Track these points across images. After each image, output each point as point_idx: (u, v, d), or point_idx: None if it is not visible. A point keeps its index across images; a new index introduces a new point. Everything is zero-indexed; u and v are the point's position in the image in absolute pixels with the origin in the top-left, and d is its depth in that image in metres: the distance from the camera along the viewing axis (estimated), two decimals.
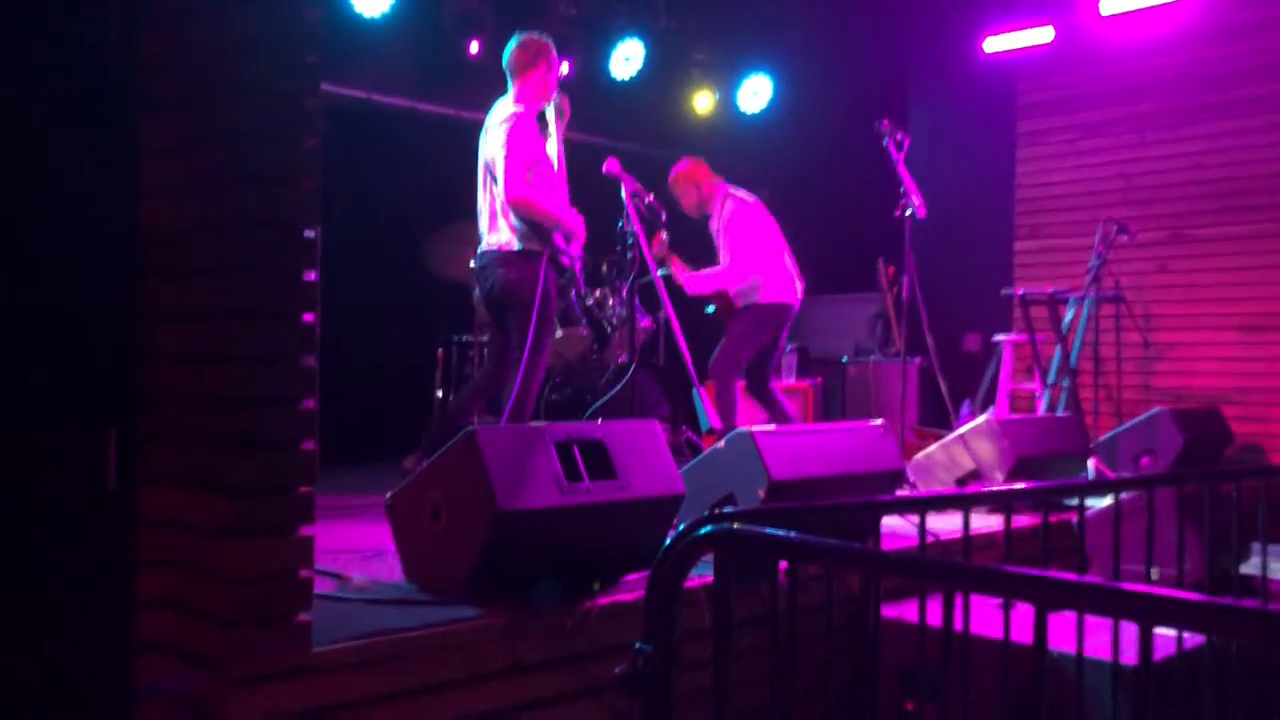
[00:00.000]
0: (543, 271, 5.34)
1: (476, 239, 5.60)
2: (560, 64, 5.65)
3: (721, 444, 4.41)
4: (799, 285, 6.69)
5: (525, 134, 5.34)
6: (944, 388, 7.31)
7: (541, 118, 5.62)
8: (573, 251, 5.56)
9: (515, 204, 5.30)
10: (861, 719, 2.48)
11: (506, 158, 5.28)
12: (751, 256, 6.52)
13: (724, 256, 6.59)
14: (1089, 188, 8.94)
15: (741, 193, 6.77)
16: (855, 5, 9.48)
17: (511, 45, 5.58)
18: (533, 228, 5.36)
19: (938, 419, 7.92)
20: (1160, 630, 1.94)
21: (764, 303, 6.55)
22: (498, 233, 5.44)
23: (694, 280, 6.64)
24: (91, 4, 3.03)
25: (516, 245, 5.38)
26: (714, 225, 6.75)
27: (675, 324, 6.03)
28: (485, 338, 6.67)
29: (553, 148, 5.63)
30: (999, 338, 8.74)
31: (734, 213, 6.63)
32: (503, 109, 5.46)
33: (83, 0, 3.03)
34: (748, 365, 6.58)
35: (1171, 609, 1.77)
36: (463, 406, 5.53)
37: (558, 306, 5.77)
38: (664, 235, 6.51)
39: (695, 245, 6.82)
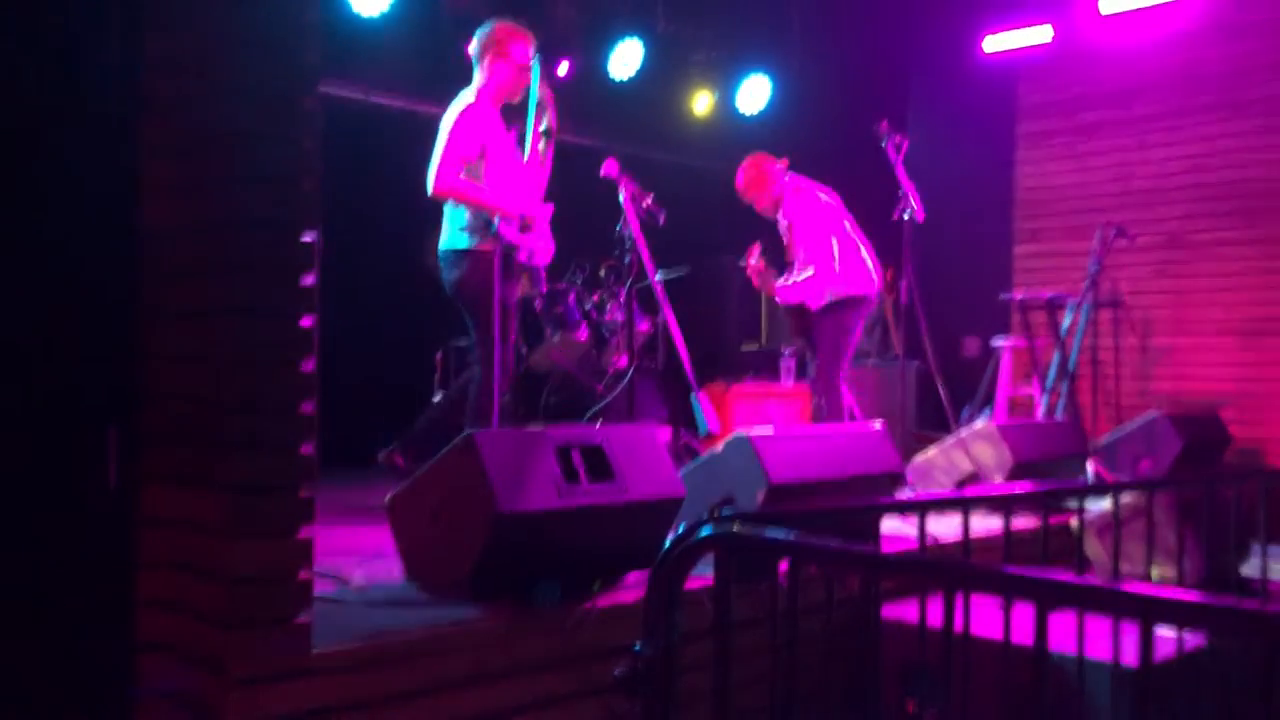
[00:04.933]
0: (496, 273, 5.14)
1: None
2: (526, 56, 5.34)
3: (720, 447, 4.41)
4: (875, 275, 6.51)
5: (470, 125, 5.21)
6: (943, 392, 7.32)
7: (509, 108, 5.46)
8: (533, 245, 5.33)
9: (438, 197, 5.23)
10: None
11: (442, 150, 5.18)
12: (827, 249, 6.37)
13: (801, 254, 6.44)
14: (1088, 190, 8.94)
15: (802, 181, 6.62)
16: (854, 6, 9.49)
17: (476, 34, 5.44)
18: (482, 220, 5.25)
19: (936, 423, 7.91)
20: (1161, 631, 1.94)
21: (844, 296, 6.37)
22: (444, 231, 5.38)
23: (785, 291, 6.49)
24: (92, 4, 3.03)
25: (462, 243, 5.30)
26: (782, 223, 6.64)
27: (674, 327, 6.01)
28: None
29: (528, 141, 5.32)
30: (998, 342, 8.74)
31: (797, 206, 6.48)
32: (457, 101, 5.34)
33: (83, 0, 3.03)
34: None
35: (1172, 608, 1.77)
36: (448, 413, 5.49)
37: (518, 303, 5.58)
38: (759, 246, 6.49)
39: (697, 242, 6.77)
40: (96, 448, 2.95)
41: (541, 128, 5.32)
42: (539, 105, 5.27)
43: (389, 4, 7.36)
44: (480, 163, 5.25)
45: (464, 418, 5.36)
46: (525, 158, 5.32)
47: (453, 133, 5.19)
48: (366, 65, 7.44)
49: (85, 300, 3.02)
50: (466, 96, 5.33)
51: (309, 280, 2.94)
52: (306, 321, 2.92)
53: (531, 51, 5.34)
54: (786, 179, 6.62)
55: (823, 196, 6.56)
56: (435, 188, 5.20)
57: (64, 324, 2.98)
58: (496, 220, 5.16)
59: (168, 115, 3.05)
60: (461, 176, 5.21)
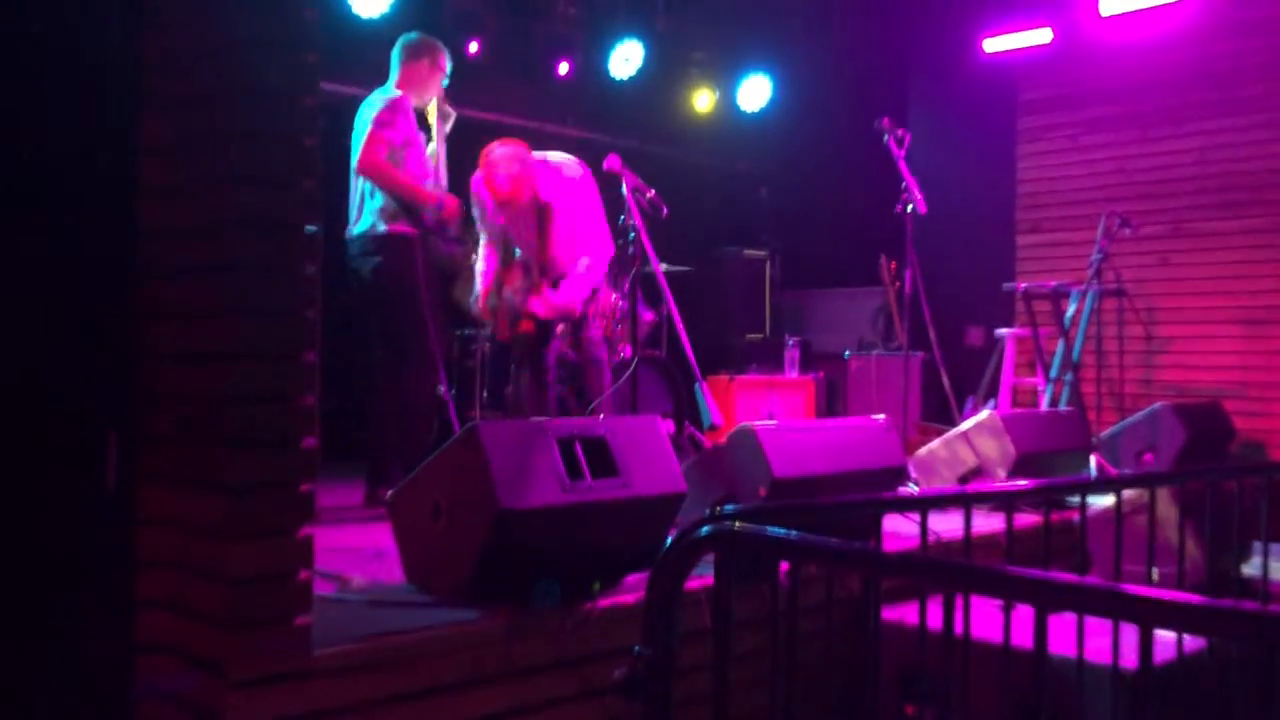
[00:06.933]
0: (418, 255, 5.29)
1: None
2: (447, 68, 5.70)
3: (724, 440, 4.40)
4: None
5: (396, 113, 5.36)
6: (946, 382, 7.30)
7: (421, 116, 5.64)
8: (447, 239, 5.49)
9: (365, 170, 5.31)
10: None
11: (369, 131, 5.30)
12: (607, 234, 5.93)
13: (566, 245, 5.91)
14: (1090, 182, 8.93)
15: (549, 163, 5.93)
16: (855, 5, 9.48)
17: (400, 40, 5.69)
18: (400, 206, 5.34)
19: (940, 414, 7.91)
20: (1161, 633, 1.93)
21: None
22: (362, 219, 5.44)
23: (567, 294, 5.83)
24: (92, 4, 3.02)
25: (381, 228, 5.36)
26: (534, 202, 5.85)
27: (677, 317, 6.01)
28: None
29: (433, 149, 5.63)
30: (1001, 332, 8.73)
31: (565, 187, 5.86)
32: (378, 95, 5.50)
33: (84, 0, 3.03)
34: None
35: (1171, 611, 1.76)
36: (384, 423, 5.44)
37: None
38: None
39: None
40: (96, 448, 2.95)
41: (447, 128, 5.68)
42: (443, 114, 5.66)
43: (389, 4, 7.38)
44: (403, 150, 5.38)
45: (414, 425, 5.37)
46: (434, 164, 5.58)
47: (383, 118, 5.33)
48: (366, 65, 7.45)
49: (85, 300, 3.01)
50: (392, 91, 5.51)
51: (310, 277, 2.93)
52: (307, 318, 2.92)
53: (449, 68, 5.70)
54: (535, 158, 5.87)
55: (575, 172, 5.93)
56: (361, 162, 5.31)
57: (63, 324, 2.98)
58: (421, 211, 5.30)
59: (168, 115, 3.04)
60: (386, 159, 5.31)
